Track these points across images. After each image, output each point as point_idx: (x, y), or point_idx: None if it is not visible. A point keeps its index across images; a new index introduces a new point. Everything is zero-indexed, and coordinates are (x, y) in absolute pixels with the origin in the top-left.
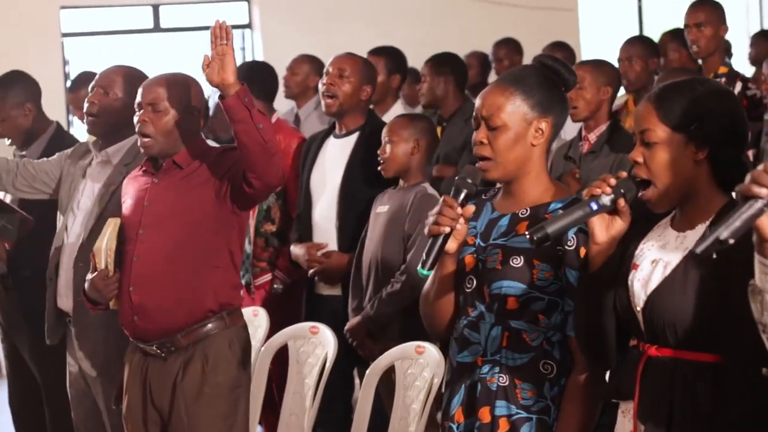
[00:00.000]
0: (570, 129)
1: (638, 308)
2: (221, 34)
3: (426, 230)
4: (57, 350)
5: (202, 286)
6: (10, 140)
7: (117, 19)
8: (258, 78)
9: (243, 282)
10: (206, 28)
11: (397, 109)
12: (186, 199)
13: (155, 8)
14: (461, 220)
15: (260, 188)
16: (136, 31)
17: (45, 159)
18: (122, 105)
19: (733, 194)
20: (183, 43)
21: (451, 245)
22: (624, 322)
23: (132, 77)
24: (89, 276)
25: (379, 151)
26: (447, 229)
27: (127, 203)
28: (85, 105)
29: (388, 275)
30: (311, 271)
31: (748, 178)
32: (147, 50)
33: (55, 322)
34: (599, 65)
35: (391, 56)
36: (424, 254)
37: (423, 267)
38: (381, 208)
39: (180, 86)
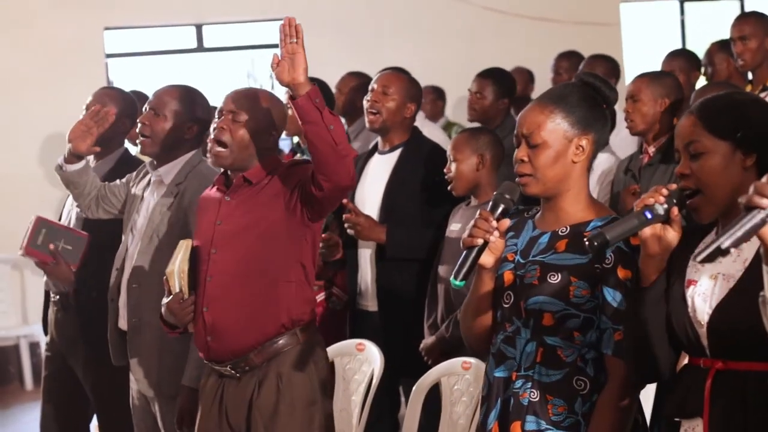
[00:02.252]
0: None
1: (703, 323)
2: (291, 32)
3: (461, 242)
4: (112, 373)
5: (274, 303)
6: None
7: (160, 40)
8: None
9: None
10: (249, 47)
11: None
12: (255, 215)
13: (198, 28)
14: (496, 233)
15: (329, 190)
16: (179, 51)
17: (117, 181)
18: (173, 125)
19: (739, 202)
20: (226, 63)
21: (488, 259)
22: (679, 339)
23: (184, 97)
24: (164, 300)
25: (445, 170)
26: (480, 241)
27: (200, 223)
28: (138, 126)
29: (458, 294)
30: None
31: (751, 188)
32: (190, 70)
33: (117, 343)
34: (656, 77)
35: (501, 80)
36: (457, 265)
37: (456, 278)
38: (454, 226)
39: (260, 100)
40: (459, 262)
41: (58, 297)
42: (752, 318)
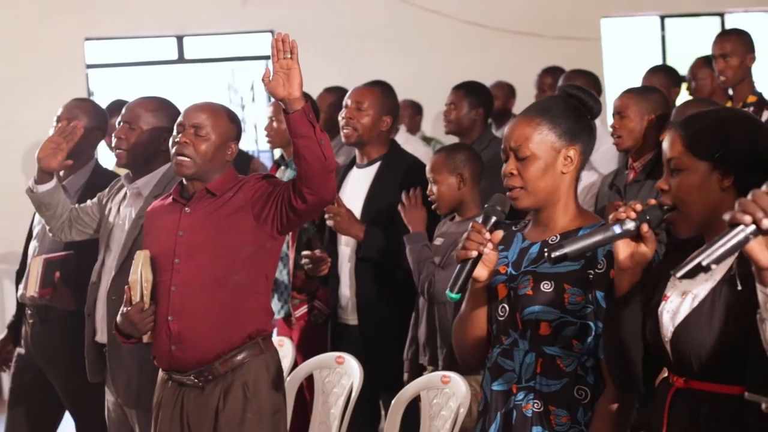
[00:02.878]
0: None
1: (666, 339)
2: (285, 48)
3: (455, 255)
4: (92, 385)
5: (241, 313)
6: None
7: (141, 51)
8: None
9: (282, 314)
10: (230, 59)
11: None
12: (222, 227)
13: (179, 39)
14: (489, 245)
15: (313, 203)
16: (160, 62)
17: (88, 201)
18: (148, 138)
19: (723, 219)
20: (207, 74)
21: (482, 272)
22: (655, 353)
23: (156, 109)
24: (123, 309)
25: (427, 192)
26: (474, 254)
27: (154, 234)
28: (113, 140)
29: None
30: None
31: (736, 205)
32: (171, 81)
33: (95, 358)
34: (643, 93)
35: (475, 91)
36: (452, 278)
37: (451, 291)
38: (437, 241)
39: (223, 116)
40: (454, 275)
41: (33, 310)
42: (713, 339)
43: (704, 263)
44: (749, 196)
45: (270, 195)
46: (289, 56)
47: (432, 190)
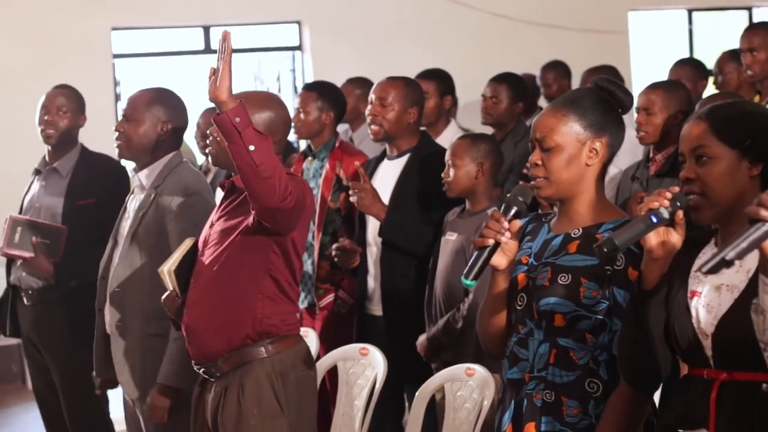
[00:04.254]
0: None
1: (708, 333)
2: (222, 47)
3: (472, 243)
4: (88, 371)
5: (240, 312)
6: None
7: (168, 41)
8: (329, 97)
9: (306, 303)
10: (257, 49)
11: (451, 130)
12: (234, 222)
13: (206, 30)
14: (507, 233)
15: (257, 210)
16: (186, 52)
17: None
18: (146, 130)
19: (744, 214)
20: (234, 65)
21: (501, 261)
22: (680, 348)
23: (156, 100)
24: (163, 298)
25: (443, 174)
26: (491, 242)
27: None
28: (114, 133)
29: (455, 305)
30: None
31: (755, 201)
32: (197, 71)
33: (103, 353)
34: (670, 88)
35: (442, 79)
36: (468, 265)
37: (466, 277)
38: (450, 236)
39: (269, 105)
40: (470, 262)
41: (30, 293)
42: None
43: (728, 258)
44: None
45: None
46: (223, 56)
47: (449, 173)
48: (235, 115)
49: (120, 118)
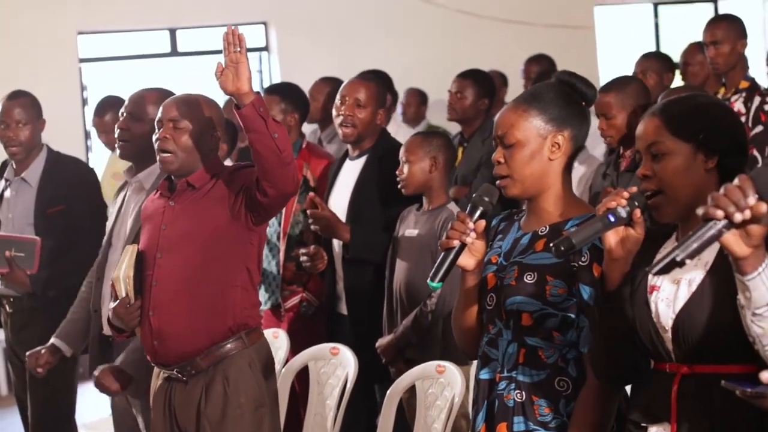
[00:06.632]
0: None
1: (667, 327)
2: (234, 41)
3: (438, 244)
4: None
5: (221, 307)
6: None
7: (134, 44)
8: (292, 99)
9: (270, 305)
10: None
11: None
12: (200, 220)
13: (172, 32)
14: (473, 234)
15: (274, 197)
16: (153, 55)
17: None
18: (150, 129)
19: (698, 213)
20: (200, 67)
21: (468, 262)
22: (643, 344)
23: (160, 100)
24: (111, 305)
25: (397, 171)
26: (457, 243)
27: (144, 228)
28: (116, 131)
29: (418, 302)
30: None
31: (709, 199)
32: (164, 74)
33: (98, 352)
34: (620, 88)
35: (481, 80)
36: (435, 267)
37: (432, 280)
38: (409, 232)
39: (199, 106)
40: (437, 264)
41: (11, 300)
42: (715, 321)
43: (679, 258)
44: (721, 191)
45: (241, 187)
46: (238, 50)
47: (403, 170)
48: (259, 105)
49: (121, 118)
